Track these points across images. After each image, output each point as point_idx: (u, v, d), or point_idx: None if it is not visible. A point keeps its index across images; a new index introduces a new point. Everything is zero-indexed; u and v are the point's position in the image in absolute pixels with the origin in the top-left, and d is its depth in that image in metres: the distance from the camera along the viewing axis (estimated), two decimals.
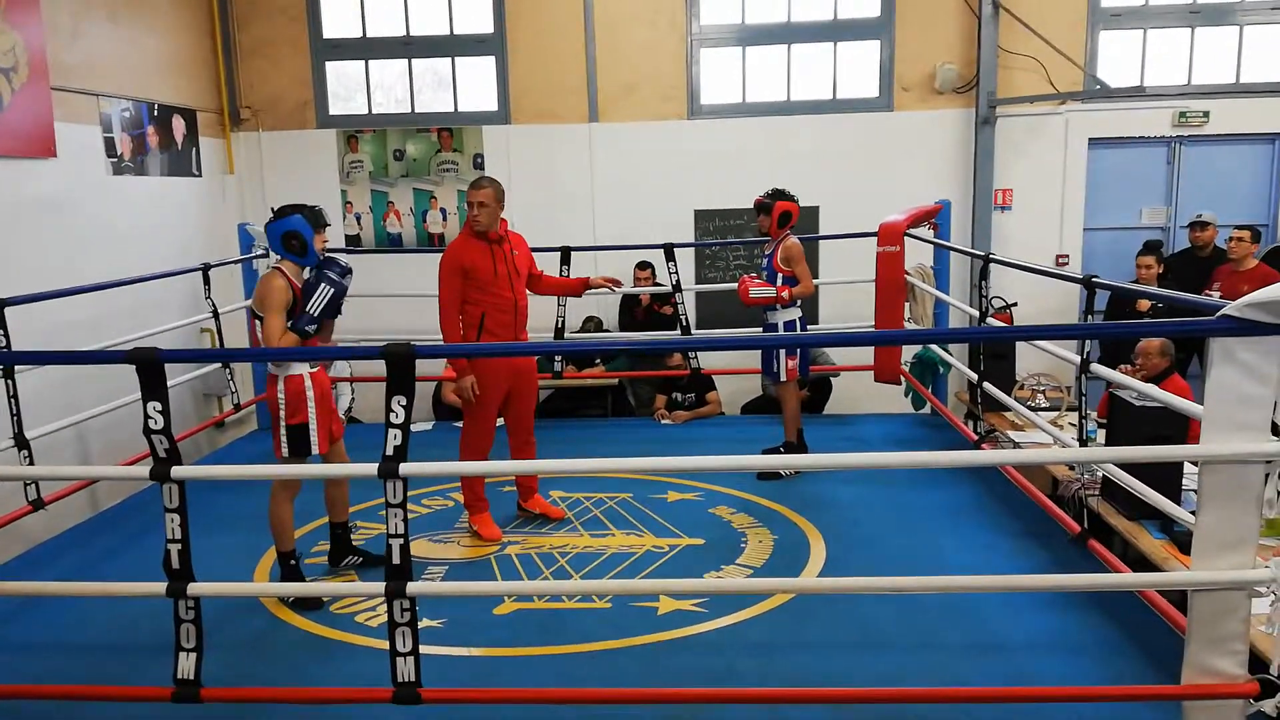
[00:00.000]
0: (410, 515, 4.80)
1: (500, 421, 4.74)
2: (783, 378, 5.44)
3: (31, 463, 4.21)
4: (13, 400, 4.13)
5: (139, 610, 3.66)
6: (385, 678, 2.76)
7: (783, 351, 5.39)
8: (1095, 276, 3.58)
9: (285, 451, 3.85)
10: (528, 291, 4.73)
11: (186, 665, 2.60)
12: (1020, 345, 6.29)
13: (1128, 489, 3.35)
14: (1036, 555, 4.09)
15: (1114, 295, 6.53)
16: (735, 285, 5.53)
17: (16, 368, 4.17)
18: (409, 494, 4.91)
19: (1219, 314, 2.23)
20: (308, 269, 3.95)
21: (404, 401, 2.43)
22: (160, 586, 2.58)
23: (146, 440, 2.50)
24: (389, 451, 2.47)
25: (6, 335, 4.13)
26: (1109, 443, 4.26)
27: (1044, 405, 5.60)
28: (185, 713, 2.76)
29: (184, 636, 2.60)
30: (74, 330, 5.59)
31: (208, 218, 7.66)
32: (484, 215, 4.44)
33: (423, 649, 3.43)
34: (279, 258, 3.94)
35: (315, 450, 3.87)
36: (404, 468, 2.47)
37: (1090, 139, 7.72)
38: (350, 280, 4.01)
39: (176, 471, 2.51)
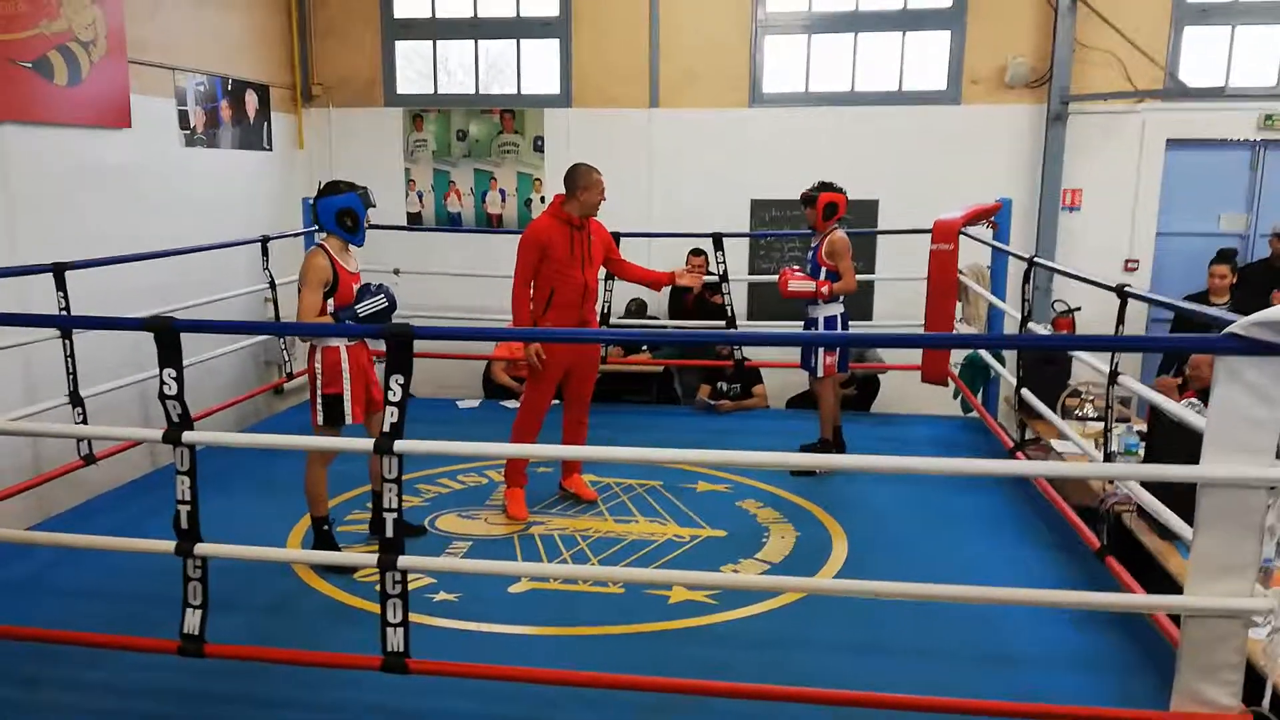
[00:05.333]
0: (443, 490, 5.04)
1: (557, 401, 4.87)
2: (820, 374, 5.39)
3: (85, 420, 4.43)
4: (69, 359, 4.35)
5: (172, 566, 3.83)
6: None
7: (821, 348, 5.34)
8: (1128, 286, 3.45)
9: (320, 420, 3.98)
10: (612, 275, 5.10)
11: (193, 621, 2.72)
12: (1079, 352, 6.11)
13: (1143, 506, 3.24)
14: (1061, 568, 4.00)
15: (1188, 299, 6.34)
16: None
17: (76, 331, 4.40)
18: (448, 470, 5.00)
19: (1224, 331, 2.14)
20: (353, 247, 4.08)
21: (402, 380, 2.50)
22: (169, 545, 2.71)
23: (161, 405, 2.62)
24: (385, 429, 2.53)
25: (66, 298, 4.34)
26: (1147, 457, 4.12)
27: (1091, 415, 5.43)
28: (193, 666, 2.90)
29: (191, 594, 2.72)
30: (141, 296, 5.83)
31: (277, 191, 7.91)
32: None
33: (435, 621, 3.59)
34: (324, 234, 4.04)
35: (349, 420, 3.99)
36: (398, 445, 2.53)
37: (1168, 140, 7.40)
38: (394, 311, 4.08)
39: (187, 436, 2.63)
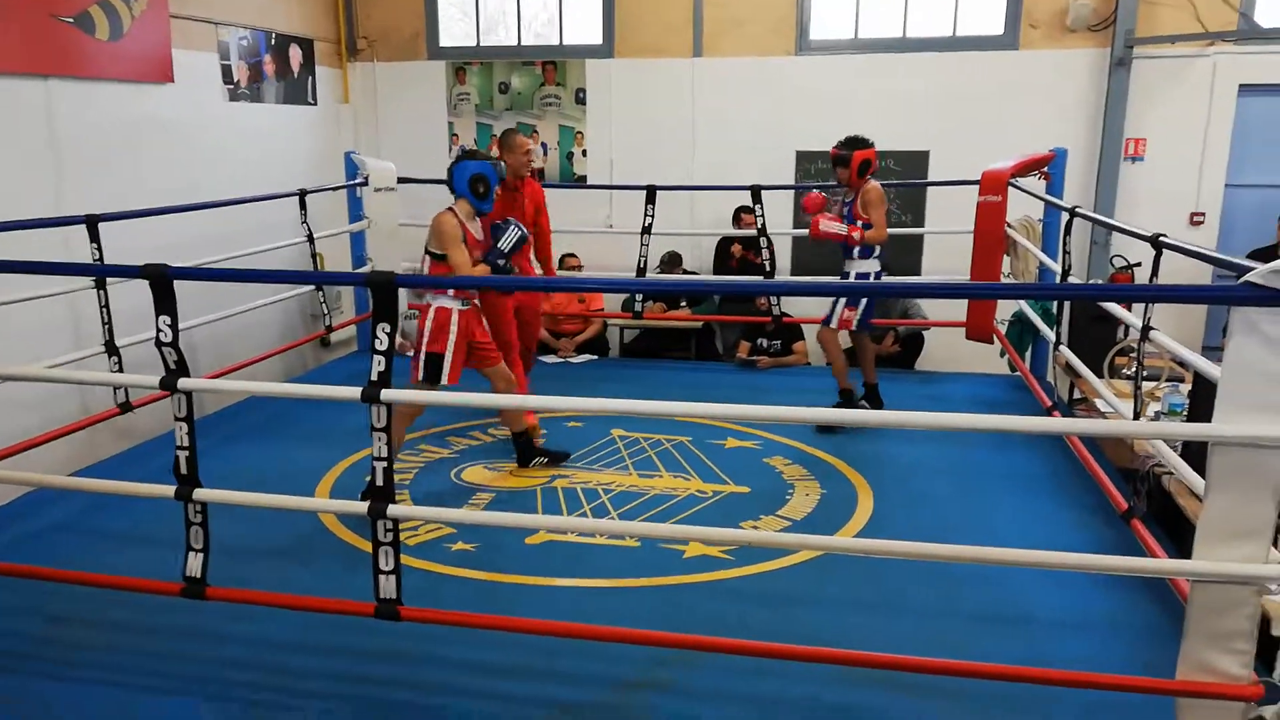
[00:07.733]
0: (474, 443, 5.06)
1: None
2: (832, 324, 5.28)
3: (120, 369, 4.54)
4: (104, 309, 4.45)
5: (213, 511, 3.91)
6: (418, 594, 2.92)
7: (841, 299, 5.22)
8: (1163, 235, 3.26)
9: (420, 375, 4.12)
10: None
11: (194, 564, 2.77)
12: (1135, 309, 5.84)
13: (1169, 467, 3.08)
14: (1088, 530, 3.85)
15: (1253, 254, 6.04)
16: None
17: (109, 280, 4.48)
18: (479, 423, 5.04)
19: (1241, 280, 1.99)
20: (478, 214, 4.23)
21: (388, 329, 2.48)
22: (169, 489, 2.75)
23: (158, 351, 2.65)
24: (373, 377, 2.52)
25: (100, 250, 4.42)
26: (1190, 417, 3.93)
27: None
28: (212, 609, 2.96)
29: (192, 537, 2.77)
30: (184, 248, 5.91)
31: (322, 146, 7.95)
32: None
33: (451, 570, 3.62)
34: (454, 198, 4.18)
35: (445, 380, 4.11)
36: (385, 393, 2.52)
37: (1240, 85, 6.98)
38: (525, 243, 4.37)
39: (183, 383, 2.65)
